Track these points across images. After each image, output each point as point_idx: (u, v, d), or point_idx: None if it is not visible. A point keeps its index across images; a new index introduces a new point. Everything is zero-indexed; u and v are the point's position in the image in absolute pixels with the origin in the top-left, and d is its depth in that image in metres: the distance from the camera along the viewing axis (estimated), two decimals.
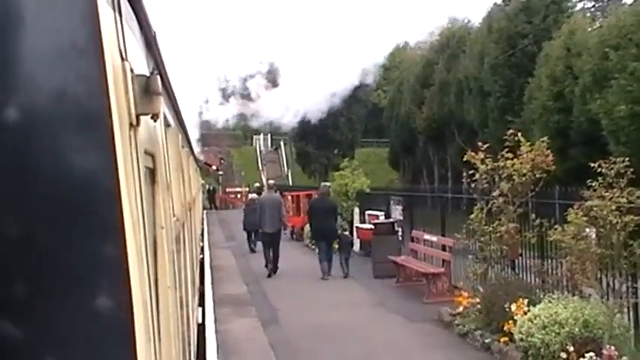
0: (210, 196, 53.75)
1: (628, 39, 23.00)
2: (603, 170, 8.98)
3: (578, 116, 25.52)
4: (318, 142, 53.89)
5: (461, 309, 11.43)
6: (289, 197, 29.93)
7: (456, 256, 13.92)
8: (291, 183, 53.41)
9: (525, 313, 9.37)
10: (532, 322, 8.94)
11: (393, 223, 18.11)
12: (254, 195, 24.35)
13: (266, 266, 18.34)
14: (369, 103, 59.47)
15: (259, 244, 20.83)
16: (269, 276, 18.06)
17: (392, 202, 19.91)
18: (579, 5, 33.92)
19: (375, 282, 16.27)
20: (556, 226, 9.74)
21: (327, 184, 20.59)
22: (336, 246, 18.29)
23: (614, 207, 8.62)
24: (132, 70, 1.47)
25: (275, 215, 18.41)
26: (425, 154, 47.82)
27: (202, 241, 17.44)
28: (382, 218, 19.43)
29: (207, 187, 54.07)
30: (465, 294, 11.79)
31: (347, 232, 19.08)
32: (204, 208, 41.27)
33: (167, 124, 3.62)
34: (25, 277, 1.08)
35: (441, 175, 45.52)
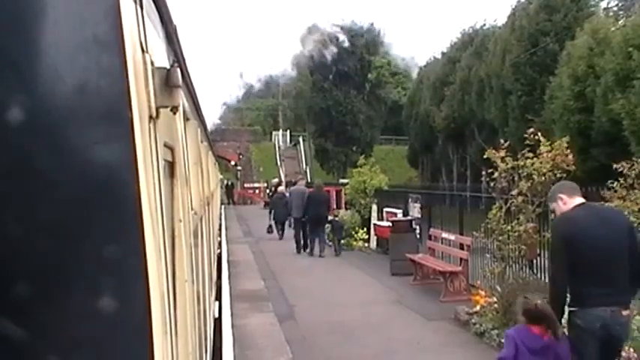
0: (229, 191, 54.02)
1: None
2: (625, 171, 8.90)
3: (599, 116, 25.30)
4: (337, 138, 53.90)
5: (478, 308, 11.38)
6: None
7: (474, 255, 13.86)
8: (309, 179, 53.45)
9: None
10: None
11: (410, 221, 18.08)
12: (281, 188, 30.05)
13: (297, 248, 22.15)
14: (388, 100, 59.40)
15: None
16: (298, 252, 22.05)
17: (410, 199, 19.85)
18: (602, 4, 33.57)
19: (392, 280, 16.25)
20: None
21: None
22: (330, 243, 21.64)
23: (635, 208, 8.55)
24: (152, 63, 1.47)
25: (300, 203, 22.26)
26: (444, 152, 47.67)
27: (220, 235, 17.53)
28: (400, 216, 19.40)
29: (225, 182, 54.47)
30: (483, 293, 11.74)
31: (337, 218, 22.31)
32: (221, 203, 41.55)
33: (186, 118, 3.63)
34: (42, 270, 1.08)
35: (460, 174, 45.36)
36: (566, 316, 6.18)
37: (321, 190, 22.73)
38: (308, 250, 21.65)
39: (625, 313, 5.94)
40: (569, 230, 6.22)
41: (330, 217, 22.23)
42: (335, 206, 27.50)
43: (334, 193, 28.77)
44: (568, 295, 6.16)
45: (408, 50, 76.63)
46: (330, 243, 22.01)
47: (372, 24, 57.65)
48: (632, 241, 6.13)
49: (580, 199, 6.44)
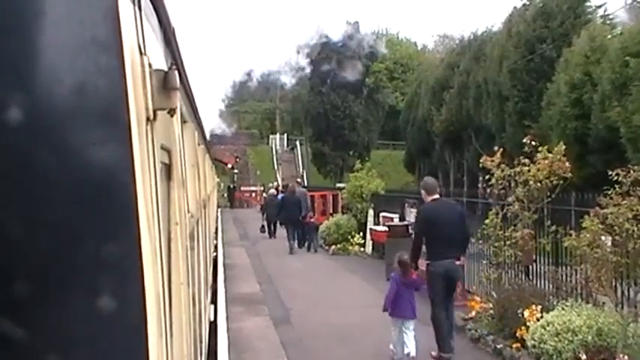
0: (230, 194, 54.49)
1: None
2: (620, 178, 8.92)
3: (596, 123, 25.33)
4: (334, 143, 53.90)
5: (473, 314, 11.38)
6: None
7: (470, 261, 13.85)
8: (306, 183, 53.45)
9: (538, 320, 9.32)
10: (545, 328, 8.89)
11: (407, 226, 18.04)
12: (273, 191, 32.02)
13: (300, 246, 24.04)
14: (386, 104, 59.43)
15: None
16: (312, 250, 23.72)
17: (407, 204, 19.82)
18: (600, 11, 33.57)
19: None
20: (571, 233, 9.68)
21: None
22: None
23: (630, 215, 8.56)
24: (150, 65, 1.47)
25: (304, 205, 24.46)
26: (441, 157, 47.65)
27: (216, 238, 17.51)
28: (397, 221, 19.37)
29: (229, 185, 54.88)
30: (478, 299, 11.74)
31: (312, 220, 24.46)
32: (224, 206, 41.63)
33: (184, 121, 3.63)
34: (38, 270, 1.08)
35: (456, 179, 45.37)
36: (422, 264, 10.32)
37: (294, 195, 25.15)
38: (290, 251, 23.27)
39: (457, 262, 10.05)
40: (428, 214, 10.29)
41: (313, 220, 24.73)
42: (331, 210, 27.54)
43: (331, 197, 28.77)
44: (425, 252, 10.17)
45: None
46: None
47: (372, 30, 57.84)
48: (463, 222, 10.21)
49: (436, 195, 10.40)
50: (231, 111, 70.54)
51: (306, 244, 24.21)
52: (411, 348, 9.52)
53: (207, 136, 15.76)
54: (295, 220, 23.88)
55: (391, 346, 9.87)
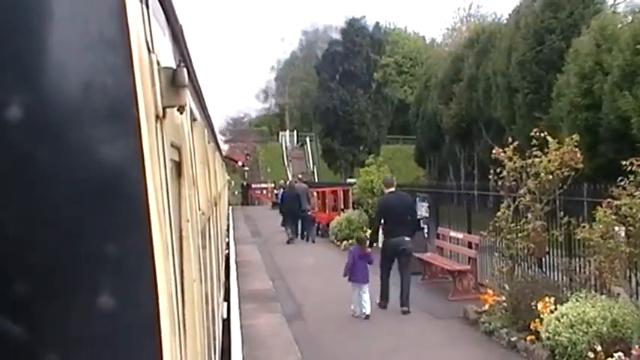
0: (244, 192, 54.75)
1: None
2: (633, 168, 8.87)
3: (607, 113, 25.18)
4: (344, 138, 53.89)
5: (487, 307, 11.36)
6: (314, 193, 30.00)
7: (482, 254, 13.83)
8: (316, 179, 53.43)
9: (552, 312, 9.29)
10: (559, 320, 8.86)
11: (418, 220, 18.02)
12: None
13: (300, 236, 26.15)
14: (395, 99, 59.32)
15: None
16: (310, 240, 25.73)
17: (418, 198, 19.78)
18: (609, 1, 33.39)
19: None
20: (584, 225, 9.63)
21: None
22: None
23: None
24: (158, 63, 1.47)
25: (303, 199, 26.08)
26: (451, 151, 47.50)
27: (228, 236, 17.54)
28: None
29: (242, 183, 55.18)
30: (491, 292, 11.71)
31: (309, 213, 26.47)
32: (235, 204, 41.87)
33: (193, 119, 3.63)
34: (49, 269, 1.08)
35: (467, 173, 45.22)
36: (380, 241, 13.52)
37: (293, 189, 27.13)
38: (288, 241, 25.34)
39: (407, 239, 12.80)
40: (384, 203, 13.47)
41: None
42: (342, 206, 27.55)
43: (341, 192, 28.76)
44: (381, 231, 13.39)
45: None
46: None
47: (377, 22, 57.78)
48: (412, 209, 14.02)
49: (392, 189, 13.50)
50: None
51: (305, 234, 26.18)
52: (366, 307, 12.10)
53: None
54: (293, 213, 25.81)
55: (352, 307, 12.30)
